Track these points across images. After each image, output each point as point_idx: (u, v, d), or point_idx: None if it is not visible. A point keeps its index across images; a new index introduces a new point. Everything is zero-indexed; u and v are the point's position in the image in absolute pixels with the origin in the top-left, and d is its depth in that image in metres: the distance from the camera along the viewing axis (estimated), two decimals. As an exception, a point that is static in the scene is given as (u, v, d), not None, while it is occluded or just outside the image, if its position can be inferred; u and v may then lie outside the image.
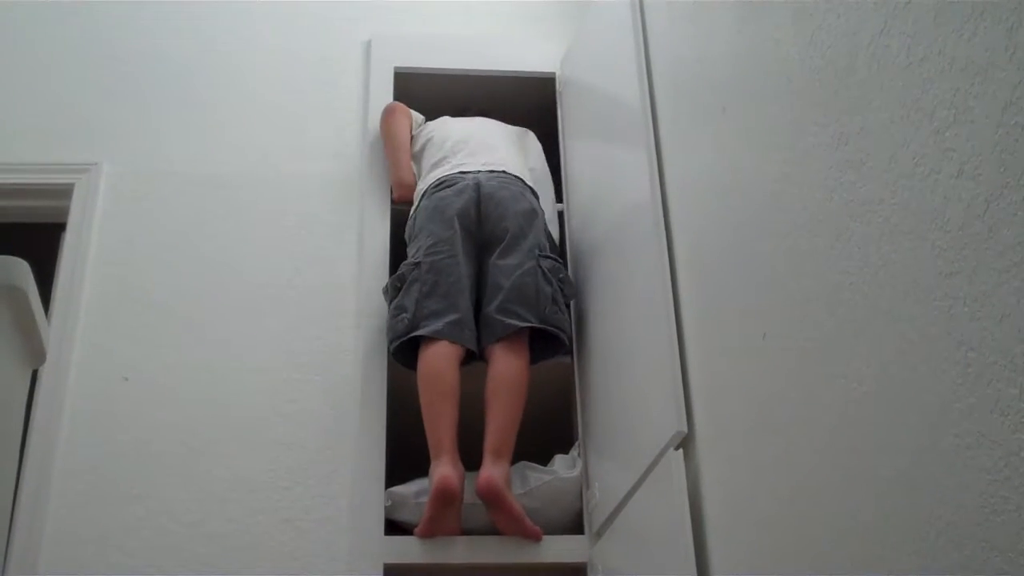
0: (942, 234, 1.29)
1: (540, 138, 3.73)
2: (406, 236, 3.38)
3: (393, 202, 3.56)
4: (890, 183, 1.42)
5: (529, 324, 3.10)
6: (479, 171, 3.37)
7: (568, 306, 3.22)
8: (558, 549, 2.98)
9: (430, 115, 3.65)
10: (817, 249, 1.66)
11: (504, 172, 3.38)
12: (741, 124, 2.09)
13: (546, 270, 3.19)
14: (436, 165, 3.47)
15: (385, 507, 3.04)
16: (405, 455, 3.16)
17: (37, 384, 3.17)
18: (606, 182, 3.13)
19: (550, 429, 3.28)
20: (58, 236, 3.51)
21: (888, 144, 1.43)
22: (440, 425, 3.03)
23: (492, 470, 2.95)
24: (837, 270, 1.58)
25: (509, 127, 3.68)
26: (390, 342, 3.18)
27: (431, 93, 3.85)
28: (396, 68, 3.82)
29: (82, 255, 3.42)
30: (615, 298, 2.95)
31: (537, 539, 2.97)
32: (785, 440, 1.80)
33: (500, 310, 3.12)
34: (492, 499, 2.94)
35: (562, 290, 3.20)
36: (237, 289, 3.45)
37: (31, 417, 3.12)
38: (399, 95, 3.76)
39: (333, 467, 3.17)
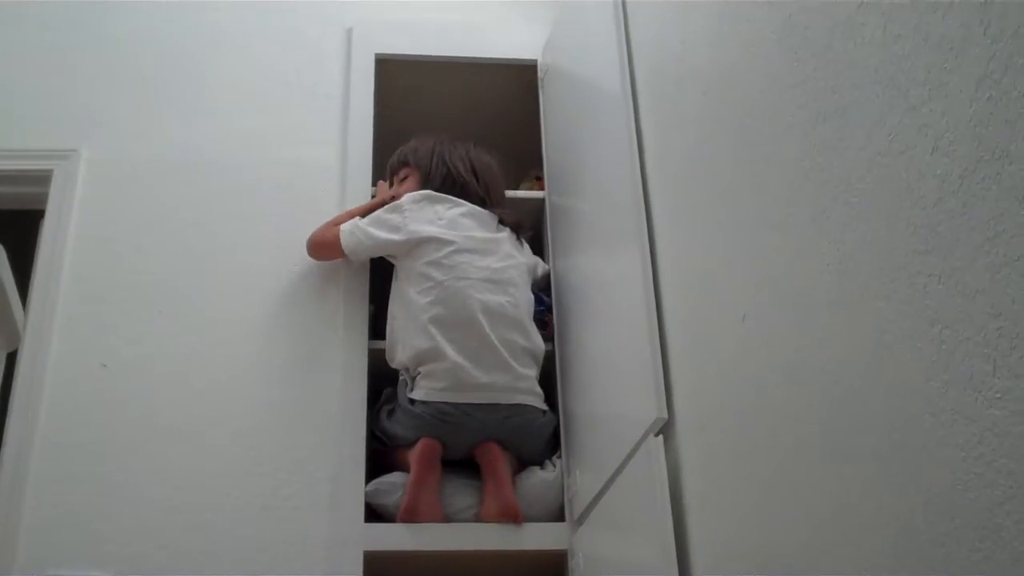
0: (917, 211, 1.28)
1: (522, 126, 3.73)
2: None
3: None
4: (866, 161, 1.42)
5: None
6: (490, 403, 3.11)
7: None
8: (539, 536, 2.99)
9: (410, 101, 3.61)
10: (795, 230, 1.66)
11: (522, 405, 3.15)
12: (720, 108, 2.08)
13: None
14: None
15: (367, 493, 3.04)
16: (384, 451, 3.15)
17: (15, 371, 3.16)
18: (587, 168, 3.12)
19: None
20: (36, 223, 3.49)
21: (864, 122, 1.43)
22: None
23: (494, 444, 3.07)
24: (815, 250, 1.58)
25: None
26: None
27: (413, 80, 3.84)
28: (377, 55, 3.81)
29: (60, 242, 3.41)
30: (594, 282, 2.95)
31: (517, 521, 3.00)
32: (764, 423, 1.80)
33: None
34: (489, 458, 3.06)
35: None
36: (216, 276, 3.44)
37: (9, 403, 3.12)
38: (380, 82, 3.74)
39: (313, 454, 3.16)
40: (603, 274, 2.88)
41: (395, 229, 3.27)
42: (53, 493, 3.06)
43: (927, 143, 1.26)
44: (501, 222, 3.37)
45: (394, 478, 3.08)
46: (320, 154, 3.66)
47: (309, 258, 3.43)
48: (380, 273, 3.39)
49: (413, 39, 3.90)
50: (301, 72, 3.85)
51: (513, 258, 3.28)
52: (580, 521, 2.91)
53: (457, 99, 3.82)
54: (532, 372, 3.16)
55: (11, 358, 3.49)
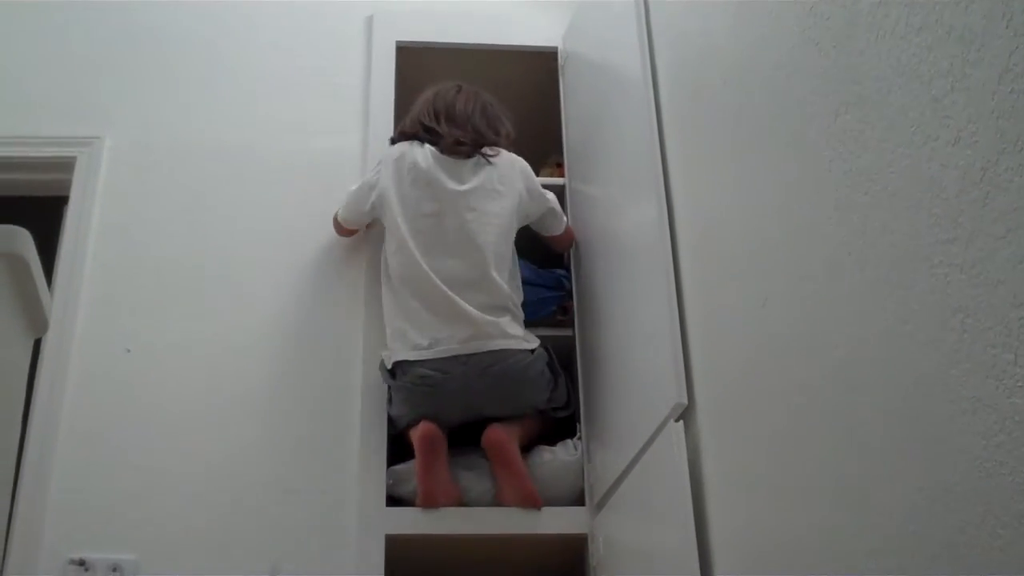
0: (939, 201, 1.29)
1: (542, 112, 3.73)
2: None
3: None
4: (888, 152, 1.42)
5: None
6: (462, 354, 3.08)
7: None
8: (559, 520, 3.00)
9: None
10: (817, 218, 1.67)
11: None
12: (741, 96, 2.08)
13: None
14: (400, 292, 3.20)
15: (387, 485, 3.06)
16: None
17: (40, 356, 3.19)
18: (608, 154, 3.13)
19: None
20: (61, 209, 3.52)
21: (886, 113, 1.44)
22: None
23: (500, 428, 3.05)
24: (836, 238, 1.58)
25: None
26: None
27: (433, 67, 3.84)
28: (398, 42, 3.82)
29: (84, 228, 3.44)
30: (615, 269, 2.96)
31: (537, 506, 3.01)
32: (784, 409, 1.81)
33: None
34: (496, 450, 3.03)
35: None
36: (239, 262, 3.46)
37: (34, 388, 3.14)
38: (401, 69, 3.75)
39: (335, 439, 3.19)
40: (623, 260, 2.89)
41: (371, 187, 3.32)
42: (78, 477, 3.09)
43: (949, 134, 1.27)
44: (483, 156, 3.33)
45: (407, 466, 3.10)
46: (341, 141, 3.67)
47: (330, 244, 3.47)
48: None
49: (433, 26, 3.91)
50: (322, 60, 3.86)
51: (474, 211, 3.22)
52: (600, 505, 2.92)
53: (477, 86, 3.83)
54: (502, 318, 3.12)
55: (35, 343, 3.52)
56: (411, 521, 3.00)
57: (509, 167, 3.32)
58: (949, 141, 1.27)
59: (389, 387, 3.15)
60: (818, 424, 1.66)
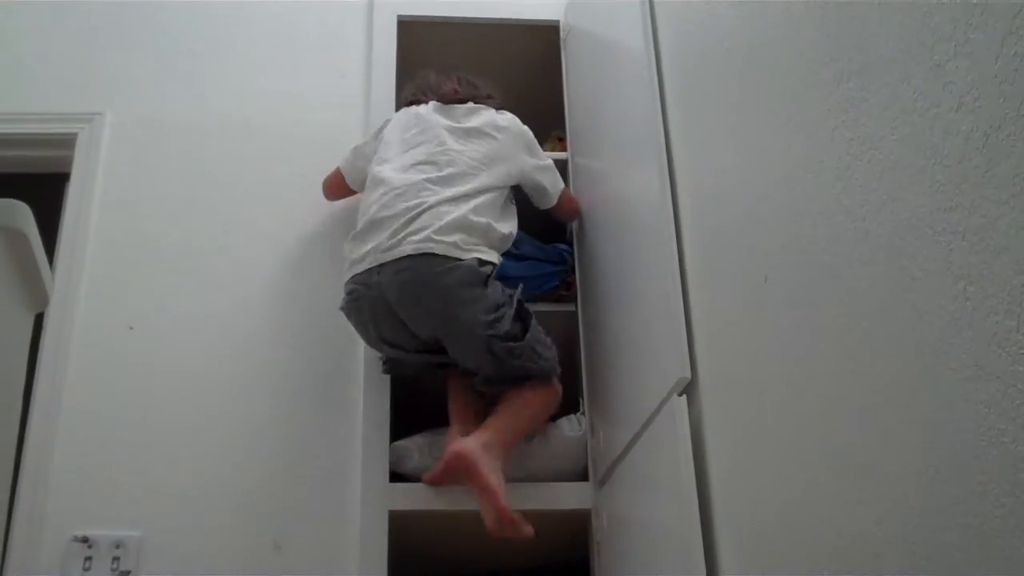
0: (941, 168, 1.28)
1: (543, 86, 3.71)
2: None
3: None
4: (890, 119, 1.41)
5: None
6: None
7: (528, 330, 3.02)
8: (563, 496, 3.00)
9: (432, 63, 3.58)
10: (819, 188, 1.65)
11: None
12: (744, 66, 2.07)
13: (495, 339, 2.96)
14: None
15: (390, 461, 3.06)
16: (410, 408, 3.16)
17: (43, 333, 3.19)
18: (610, 128, 3.12)
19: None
20: (62, 186, 3.51)
21: (889, 80, 1.43)
22: (457, 411, 3.12)
23: (464, 441, 2.89)
24: (839, 209, 1.57)
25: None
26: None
27: (434, 41, 3.84)
28: (399, 16, 3.81)
29: (86, 204, 3.43)
30: (618, 244, 2.95)
31: (521, 534, 2.82)
32: (787, 382, 1.80)
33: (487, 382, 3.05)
34: (461, 468, 2.85)
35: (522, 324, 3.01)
36: (241, 238, 3.46)
37: (37, 365, 3.14)
38: (402, 43, 3.74)
39: (338, 416, 3.19)
40: (626, 235, 2.88)
41: (371, 153, 3.32)
42: (81, 454, 3.10)
43: (952, 100, 1.26)
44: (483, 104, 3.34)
45: (408, 443, 3.10)
46: (343, 116, 3.66)
47: (334, 219, 3.47)
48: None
49: (435, 0, 3.89)
50: (323, 34, 3.86)
51: (461, 143, 3.18)
52: (603, 481, 2.92)
53: (479, 60, 3.81)
54: (442, 232, 2.96)
55: (37, 321, 3.52)
56: (415, 497, 3.00)
57: (507, 120, 3.30)
58: (951, 107, 1.26)
59: None
60: (820, 397, 1.65)
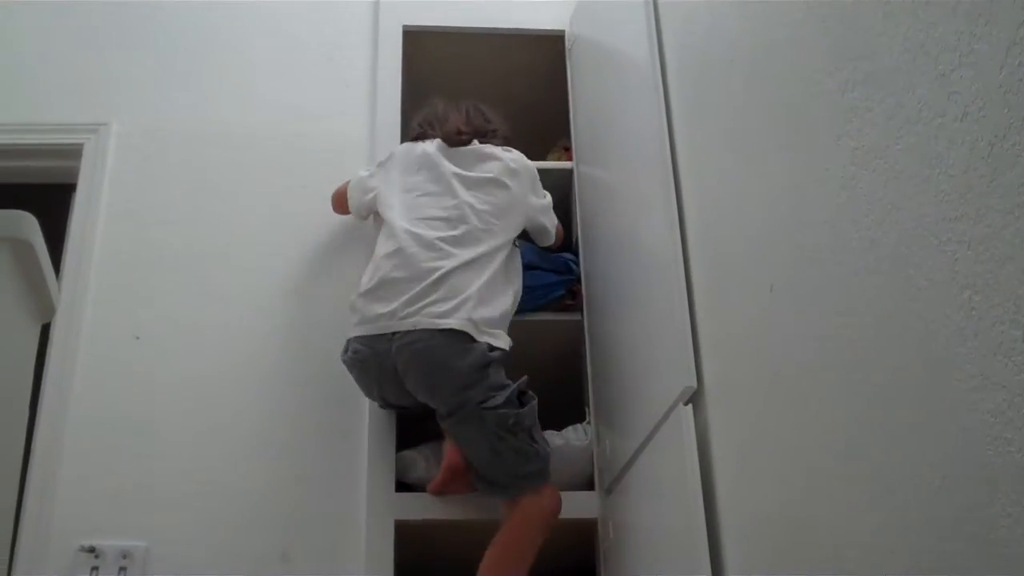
0: (946, 178, 1.28)
1: (549, 96, 3.72)
2: None
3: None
4: (895, 129, 1.41)
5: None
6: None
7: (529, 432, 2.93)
8: (569, 505, 2.99)
9: (437, 73, 3.59)
10: (824, 198, 1.65)
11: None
12: (749, 76, 2.07)
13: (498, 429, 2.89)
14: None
15: (396, 471, 3.06)
16: (416, 418, 3.16)
17: (49, 343, 3.19)
18: (615, 138, 3.12)
19: (561, 394, 3.27)
20: (68, 197, 3.52)
21: (893, 90, 1.43)
22: None
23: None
24: (844, 218, 1.57)
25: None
26: None
27: (439, 51, 3.84)
28: (405, 26, 3.81)
29: (92, 215, 3.44)
30: (623, 253, 2.95)
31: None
32: (793, 392, 1.80)
33: (482, 480, 2.95)
34: (459, 476, 2.96)
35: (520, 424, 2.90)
36: (247, 249, 3.46)
37: (44, 375, 3.15)
38: (408, 53, 3.74)
39: (345, 425, 3.20)
40: (632, 245, 2.88)
41: (371, 188, 3.28)
42: (87, 464, 3.10)
43: (957, 110, 1.26)
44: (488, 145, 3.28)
45: (414, 453, 3.10)
46: (348, 126, 3.67)
47: (339, 229, 3.47)
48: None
49: (440, 10, 3.90)
50: (329, 44, 3.86)
51: (475, 197, 3.13)
52: (610, 490, 2.92)
53: (485, 70, 3.81)
54: (455, 306, 2.92)
55: (44, 329, 3.53)
56: (420, 507, 3.00)
57: (517, 163, 3.25)
58: (956, 117, 1.26)
59: None
60: (826, 406, 1.65)
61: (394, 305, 2.93)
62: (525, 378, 2.94)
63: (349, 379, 3.18)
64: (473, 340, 2.88)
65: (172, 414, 3.19)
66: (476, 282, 2.96)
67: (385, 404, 3.10)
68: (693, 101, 2.50)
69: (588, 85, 3.55)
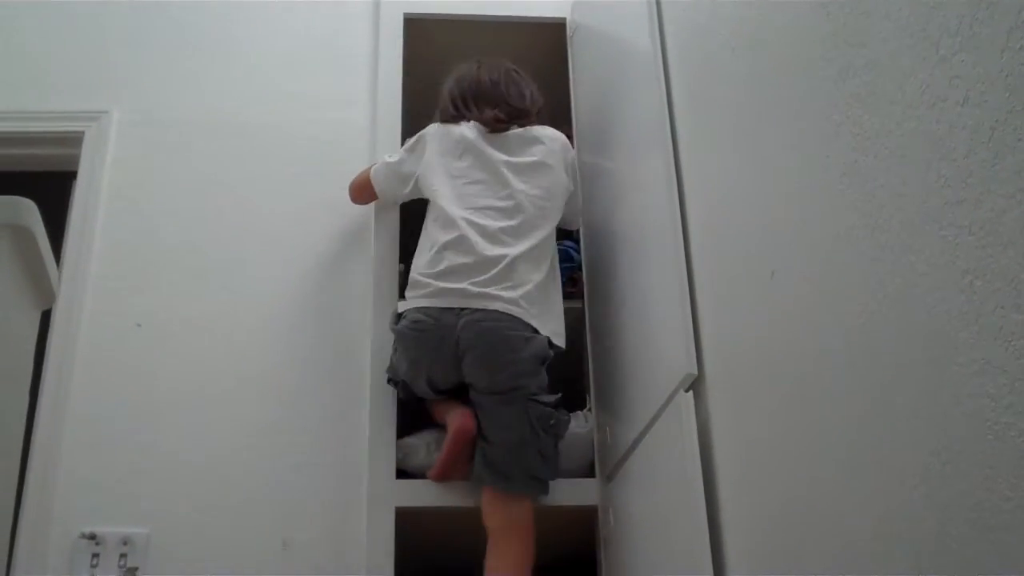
0: (948, 163, 1.28)
1: (550, 84, 3.71)
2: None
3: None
4: (896, 114, 1.41)
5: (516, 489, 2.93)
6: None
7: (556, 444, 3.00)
8: (570, 492, 3.00)
9: (439, 61, 3.57)
10: (825, 184, 1.65)
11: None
12: (750, 64, 2.07)
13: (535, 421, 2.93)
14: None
15: (397, 458, 3.05)
16: (417, 404, 3.16)
17: (49, 331, 3.20)
18: (617, 126, 3.12)
19: (561, 381, 3.26)
20: (69, 185, 3.52)
21: (895, 75, 1.42)
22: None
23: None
24: (845, 204, 1.57)
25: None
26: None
27: (441, 39, 3.83)
28: (406, 14, 3.80)
29: (93, 203, 3.44)
30: (625, 241, 2.95)
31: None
32: (794, 378, 1.80)
33: (490, 463, 2.94)
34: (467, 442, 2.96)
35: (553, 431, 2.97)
36: (247, 236, 3.46)
37: (44, 363, 3.15)
38: (409, 41, 3.74)
39: (344, 413, 3.20)
40: (633, 232, 2.88)
41: (410, 174, 3.25)
42: (88, 451, 3.10)
43: (958, 94, 1.26)
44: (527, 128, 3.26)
45: (415, 440, 3.10)
46: (350, 114, 3.67)
47: (340, 217, 3.45)
48: (411, 234, 3.39)
49: (442, -2, 3.89)
50: (330, 32, 3.86)
51: (524, 183, 3.13)
52: (611, 477, 2.92)
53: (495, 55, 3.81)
54: (534, 307, 2.97)
55: (44, 318, 3.54)
56: (421, 494, 3.00)
57: (556, 142, 3.26)
58: (957, 102, 1.26)
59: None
60: (827, 391, 1.65)
61: (464, 283, 2.94)
62: (560, 395, 2.98)
63: (350, 367, 3.19)
64: (536, 332, 2.93)
65: (172, 401, 3.20)
66: (536, 275, 3.01)
67: (427, 384, 3.02)
68: (694, 88, 2.50)
69: (589, 73, 3.54)
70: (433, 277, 3.00)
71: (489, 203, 3.08)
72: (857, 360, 1.54)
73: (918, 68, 1.36)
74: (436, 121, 3.33)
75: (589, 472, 3.07)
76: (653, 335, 2.61)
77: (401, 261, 3.34)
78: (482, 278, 2.94)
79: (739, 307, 2.12)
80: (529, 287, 2.96)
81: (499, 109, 3.27)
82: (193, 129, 3.64)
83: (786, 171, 1.85)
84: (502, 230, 3.02)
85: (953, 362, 1.25)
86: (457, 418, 2.95)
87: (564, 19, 3.84)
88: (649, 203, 2.69)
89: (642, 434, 2.59)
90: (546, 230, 3.09)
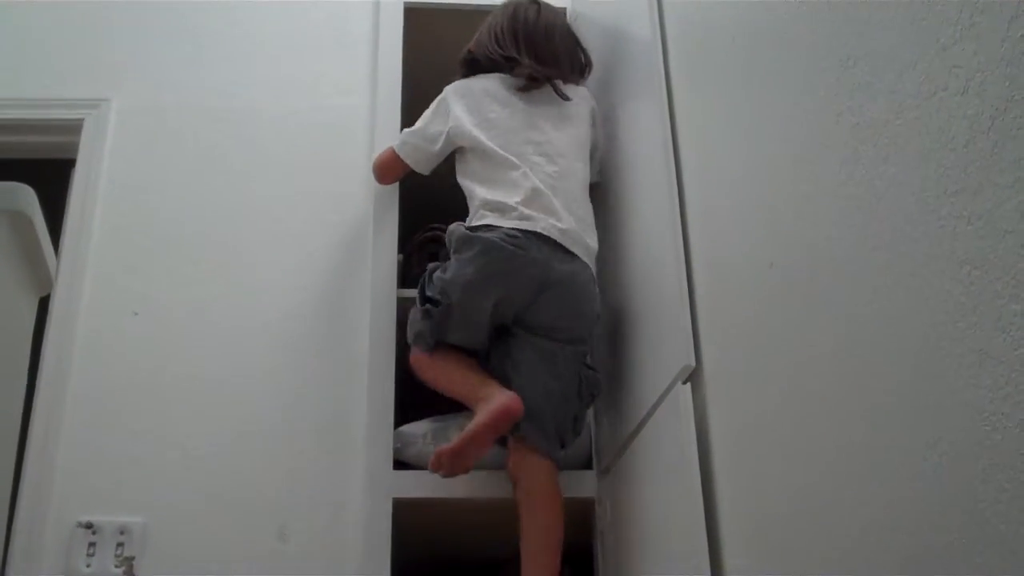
0: (947, 152, 1.27)
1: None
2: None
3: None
4: (896, 103, 1.40)
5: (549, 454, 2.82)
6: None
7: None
8: (566, 484, 2.97)
9: (439, 50, 3.56)
10: (824, 173, 1.65)
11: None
12: (750, 54, 2.07)
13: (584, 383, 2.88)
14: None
15: (394, 448, 3.05)
16: (415, 393, 3.16)
17: (48, 317, 3.20)
18: (616, 117, 3.11)
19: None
20: (67, 172, 3.52)
21: (895, 64, 1.42)
22: (474, 371, 2.90)
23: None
24: (844, 194, 1.57)
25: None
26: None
27: (442, 28, 3.82)
28: (406, 3, 3.79)
29: (92, 190, 3.44)
30: (623, 232, 2.94)
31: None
32: (792, 369, 1.80)
33: (530, 416, 2.75)
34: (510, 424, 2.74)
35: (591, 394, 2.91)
36: (247, 224, 3.46)
37: (42, 350, 3.15)
38: (409, 30, 3.73)
39: (342, 402, 3.19)
40: (631, 222, 2.87)
41: (439, 133, 3.14)
42: (86, 439, 3.10)
43: (958, 84, 1.25)
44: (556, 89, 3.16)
45: (414, 428, 3.09)
46: (350, 103, 3.66)
47: (338, 208, 3.45)
48: (408, 225, 3.39)
49: (441, -13, 3.88)
50: (331, 20, 3.85)
51: (557, 133, 3.07)
52: (607, 469, 2.92)
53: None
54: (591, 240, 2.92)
55: (43, 304, 3.53)
56: (418, 485, 2.98)
57: (591, 106, 3.23)
58: (957, 91, 1.25)
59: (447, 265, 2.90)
60: (825, 383, 1.65)
61: (551, 218, 2.84)
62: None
63: (349, 354, 3.18)
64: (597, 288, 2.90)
65: (170, 390, 3.19)
66: (588, 226, 2.96)
67: (487, 305, 2.83)
68: (694, 77, 2.50)
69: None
70: (521, 204, 2.85)
71: (531, 151, 2.99)
72: (855, 350, 1.53)
73: (917, 58, 1.35)
74: (464, 60, 3.29)
75: (586, 464, 3.06)
76: (651, 326, 2.60)
77: (399, 251, 3.33)
78: (569, 223, 2.86)
79: (738, 298, 2.11)
80: (588, 241, 2.93)
81: (543, 69, 3.18)
82: (193, 117, 3.64)
83: (785, 160, 1.85)
84: (551, 176, 2.94)
85: (950, 352, 1.25)
86: (504, 398, 2.71)
87: (564, 9, 3.82)
88: (647, 192, 2.69)
89: (639, 426, 2.58)
90: (585, 183, 3.04)
